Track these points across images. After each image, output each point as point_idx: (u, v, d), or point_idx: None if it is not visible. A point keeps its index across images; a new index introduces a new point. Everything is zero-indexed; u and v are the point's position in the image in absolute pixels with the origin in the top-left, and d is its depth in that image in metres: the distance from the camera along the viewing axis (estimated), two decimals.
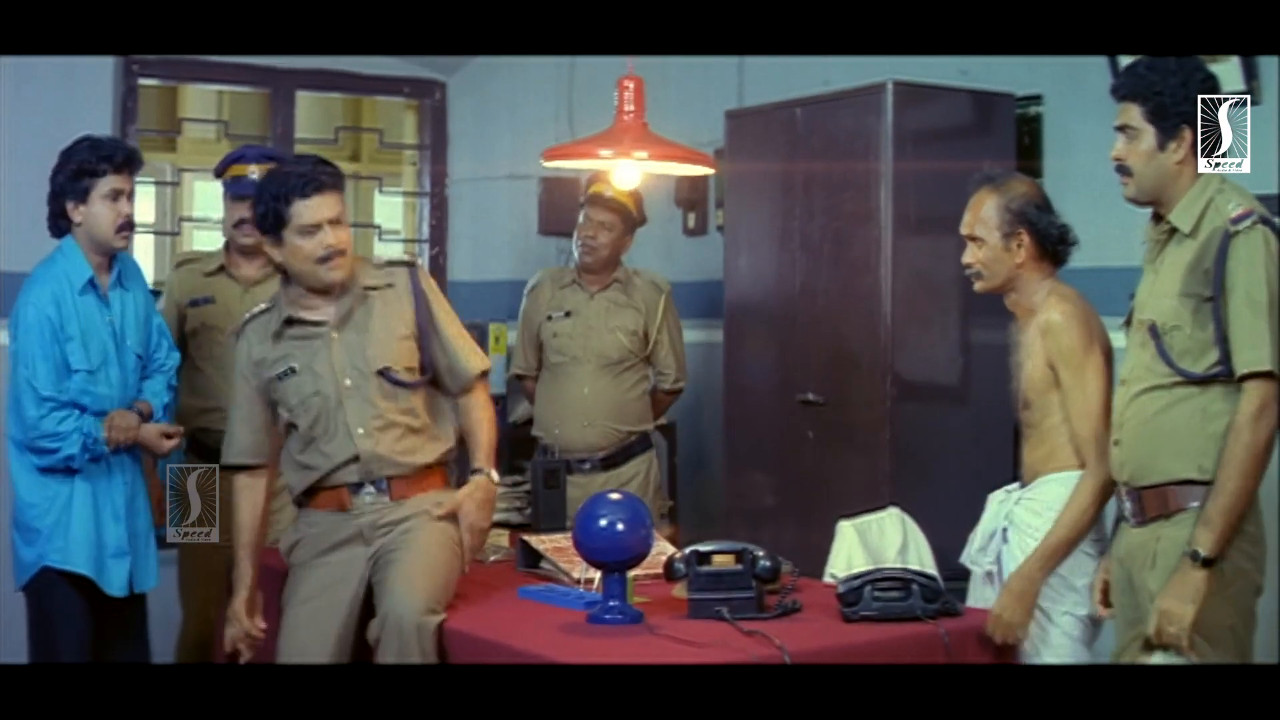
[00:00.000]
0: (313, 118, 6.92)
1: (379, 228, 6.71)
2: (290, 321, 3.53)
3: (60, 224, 3.81)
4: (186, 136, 7.40)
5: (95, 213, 3.75)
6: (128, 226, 3.79)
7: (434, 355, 3.58)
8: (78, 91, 5.32)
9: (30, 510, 3.73)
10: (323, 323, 3.51)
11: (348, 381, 3.47)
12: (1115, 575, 3.17)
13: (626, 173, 4.39)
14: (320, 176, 3.46)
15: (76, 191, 3.75)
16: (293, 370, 3.50)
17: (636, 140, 4.10)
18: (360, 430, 3.47)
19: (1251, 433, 2.89)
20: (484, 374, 3.67)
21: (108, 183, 3.75)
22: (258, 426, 3.59)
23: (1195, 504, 2.97)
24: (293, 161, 3.66)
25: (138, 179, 3.95)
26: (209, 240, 5.85)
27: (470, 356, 3.63)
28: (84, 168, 3.74)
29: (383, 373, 3.49)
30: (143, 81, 5.71)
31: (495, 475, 3.55)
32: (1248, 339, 2.89)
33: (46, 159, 5.18)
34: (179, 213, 7.88)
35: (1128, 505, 3.11)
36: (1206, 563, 2.91)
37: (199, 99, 7.36)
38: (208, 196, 7.58)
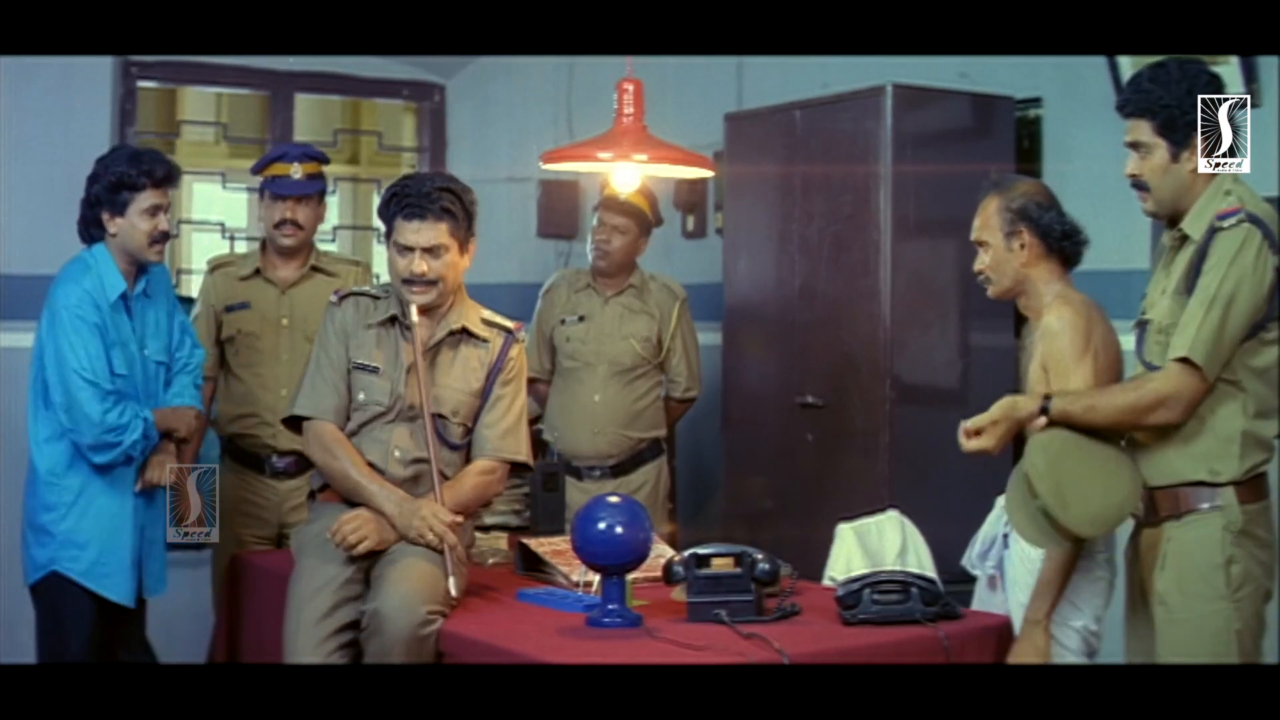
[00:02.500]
0: (312, 120, 6.92)
1: (378, 230, 6.71)
2: (394, 320, 3.59)
3: (93, 232, 3.80)
4: (185, 139, 7.38)
5: (131, 226, 3.75)
6: (163, 239, 3.79)
7: (479, 416, 3.61)
8: (77, 94, 5.33)
9: (46, 513, 3.73)
10: (417, 340, 3.57)
11: (410, 409, 3.54)
12: (1126, 576, 3.16)
13: (625, 175, 4.39)
14: (431, 205, 3.49)
15: (114, 204, 3.74)
16: (375, 369, 3.57)
17: (635, 143, 4.09)
18: (398, 454, 3.53)
19: (1149, 409, 2.97)
20: (512, 465, 3.65)
21: (146, 198, 3.74)
22: (342, 392, 3.60)
23: (1206, 505, 2.98)
24: (426, 177, 3.62)
25: None
26: (210, 243, 5.84)
27: (505, 439, 3.60)
28: (123, 181, 3.73)
29: (437, 417, 3.55)
30: (142, 84, 5.72)
31: (445, 515, 3.42)
32: (1188, 325, 2.92)
33: (45, 162, 5.21)
34: (178, 215, 7.86)
35: (1139, 505, 3.10)
36: (1045, 409, 3.06)
37: (198, 101, 7.35)
38: (207, 199, 7.58)
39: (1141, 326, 3.08)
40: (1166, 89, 2.99)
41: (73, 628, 3.70)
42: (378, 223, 6.70)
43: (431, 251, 3.51)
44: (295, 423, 3.67)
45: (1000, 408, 3.11)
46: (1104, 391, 3.09)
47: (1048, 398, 3.08)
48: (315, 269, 4.42)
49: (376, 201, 7.77)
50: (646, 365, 4.79)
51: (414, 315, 3.52)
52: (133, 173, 3.73)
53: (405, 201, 3.51)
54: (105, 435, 3.66)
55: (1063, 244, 3.36)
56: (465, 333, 3.62)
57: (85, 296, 3.72)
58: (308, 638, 3.29)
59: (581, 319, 4.80)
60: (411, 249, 3.51)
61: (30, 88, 5.17)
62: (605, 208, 4.78)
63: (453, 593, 3.34)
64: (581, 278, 4.89)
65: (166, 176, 3.77)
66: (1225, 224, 2.93)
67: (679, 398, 4.91)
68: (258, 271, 4.38)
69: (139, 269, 3.83)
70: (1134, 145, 3.06)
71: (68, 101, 5.31)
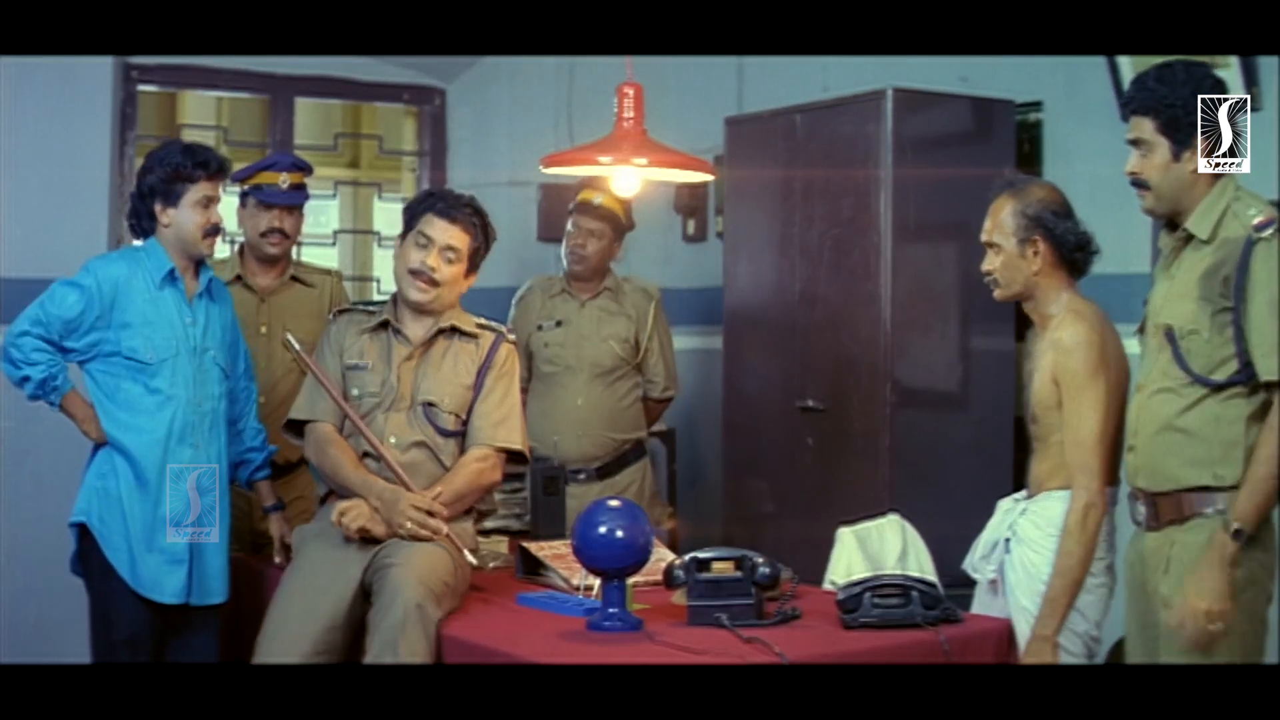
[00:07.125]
0: (312, 124, 6.92)
1: (378, 234, 6.72)
2: (385, 325, 3.68)
3: (145, 225, 3.81)
4: None
5: (185, 217, 3.76)
6: (215, 232, 3.81)
7: (472, 408, 3.65)
8: (77, 98, 5.34)
9: (98, 479, 3.72)
10: (408, 340, 3.66)
11: (403, 399, 3.61)
12: (1127, 581, 3.15)
13: (625, 180, 4.38)
14: (464, 213, 3.66)
15: (168, 195, 3.75)
16: (365, 366, 3.66)
17: (636, 147, 4.09)
18: (393, 440, 3.59)
19: None
20: (507, 453, 3.67)
21: (200, 189, 3.76)
22: (338, 396, 3.65)
23: (1210, 510, 2.96)
24: (464, 195, 3.77)
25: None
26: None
27: (498, 428, 3.65)
28: (179, 173, 3.75)
29: (428, 404, 3.61)
30: (142, 88, 5.72)
31: (440, 508, 3.49)
32: (1272, 346, 2.88)
33: (45, 166, 5.22)
34: None
35: (1142, 510, 3.09)
36: (1238, 534, 2.89)
37: (198, 105, 7.35)
38: None
39: (1170, 336, 3.01)
40: (1172, 89, 2.99)
41: (118, 618, 3.68)
42: (378, 227, 6.75)
43: (447, 254, 3.63)
44: (296, 430, 3.72)
45: (1215, 570, 2.92)
46: (1252, 476, 2.91)
47: (1238, 533, 2.90)
48: (294, 279, 4.43)
49: (377, 205, 7.81)
50: (625, 366, 4.82)
51: (414, 296, 3.63)
52: (188, 164, 3.75)
53: (442, 202, 3.68)
54: (12, 350, 3.65)
55: (1075, 255, 3.35)
56: (455, 330, 3.69)
57: (109, 272, 3.71)
58: (297, 629, 3.33)
59: (559, 324, 4.82)
60: (432, 242, 3.62)
61: (30, 91, 5.17)
62: (579, 212, 4.80)
63: (473, 561, 3.52)
64: (555, 283, 4.90)
65: (220, 169, 3.82)
66: (1264, 234, 2.92)
67: (657, 397, 4.92)
68: (238, 278, 4.36)
69: (197, 269, 3.84)
70: (1135, 143, 3.06)
71: (68, 105, 5.31)
